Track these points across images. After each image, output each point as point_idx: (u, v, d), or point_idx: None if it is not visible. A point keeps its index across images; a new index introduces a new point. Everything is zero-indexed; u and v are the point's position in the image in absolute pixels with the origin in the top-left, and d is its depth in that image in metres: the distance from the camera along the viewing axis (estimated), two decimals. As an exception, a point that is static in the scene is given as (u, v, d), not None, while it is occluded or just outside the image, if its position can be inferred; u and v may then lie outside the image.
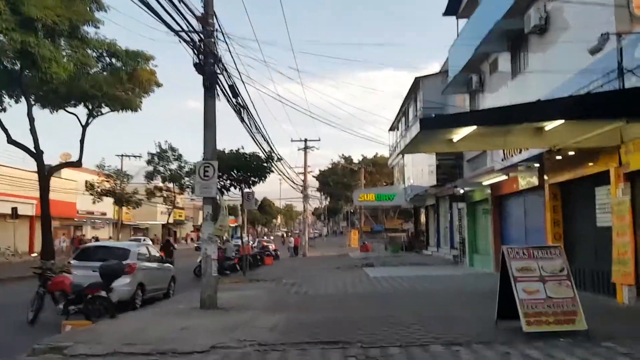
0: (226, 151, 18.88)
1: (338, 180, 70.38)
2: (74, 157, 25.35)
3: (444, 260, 23.01)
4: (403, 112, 29.93)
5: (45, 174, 21.82)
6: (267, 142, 18.86)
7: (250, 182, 19.48)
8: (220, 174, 18.70)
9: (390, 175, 56.45)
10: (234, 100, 13.37)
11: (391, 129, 35.46)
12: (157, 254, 13.95)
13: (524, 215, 14.92)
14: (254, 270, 23.02)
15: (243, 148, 18.74)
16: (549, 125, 8.88)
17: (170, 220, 76.81)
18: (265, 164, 19.36)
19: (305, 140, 40.27)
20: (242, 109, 14.37)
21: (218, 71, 11.38)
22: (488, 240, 17.76)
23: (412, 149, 9.66)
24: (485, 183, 16.08)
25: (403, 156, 30.09)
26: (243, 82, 15.25)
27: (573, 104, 7.10)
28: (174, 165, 32.32)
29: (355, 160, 71.74)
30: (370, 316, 9.02)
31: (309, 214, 57.51)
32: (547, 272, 7.02)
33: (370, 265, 21.81)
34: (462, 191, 18.45)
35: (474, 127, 7.42)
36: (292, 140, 41.55)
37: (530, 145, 9.82)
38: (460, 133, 8.55)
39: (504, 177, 14.28)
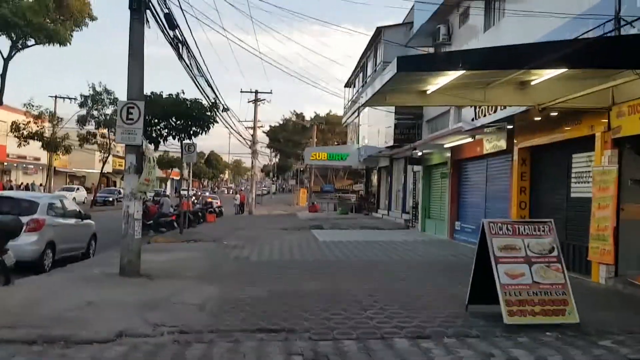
0: (164, 95, 16.78)
1: (289, 138, 68.58)
2: (8, 97, 22.55)
3: (395, 224, 22.18)
4: (361, 66, 28.35)
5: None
6: (212, 88, 16.82)
7: (192, 132, 17.47)
8: (155, 120, 16.69)
9: (343, 135, 55.28)
10: (170, 32, 11.34)
11: (347, 84, 33.86)
12: (75, 208, 12.01)
13: (485, 181, 13.99)
14: (194, 229, 21.31)
15: (184, 93, 16.63)
16: (537, 79, 7.67)
17: (110, 170, 73.22)
18: (208, 113, 17.39)
19: (256, 92, 38.02)
20: (180, 45, 12.33)
21: (149, -9, 9.36)
22: (444, 205, 16.89)
23: (377, 100, 8.22)
24: (447, 145, 14.99)
25: (358, 114, 28.74)
26: (182, 10, 12.84)
27: (582, 47, 5.79)
28: (109, 110, 29.43)
29: (308, 118, 70.01)
30: (319, 292, 7.72)
31: (257, 171, 55.76)
32: (534, 252, 5.90)
33: (319, 228, 20.64)
34: (419, 153, 17.36)
35: (461, 72, 6.02)
36: (241, 92, 38.80)
37: (512, 102, 8.61)
38: (439, 81, 7.16)
39: (469, 140, 13.18)
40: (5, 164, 42.89)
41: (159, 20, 10.32)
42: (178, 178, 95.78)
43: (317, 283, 8.53)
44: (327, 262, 11.11)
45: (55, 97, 39.09)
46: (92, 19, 22.79)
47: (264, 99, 38.28)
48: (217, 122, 17.89)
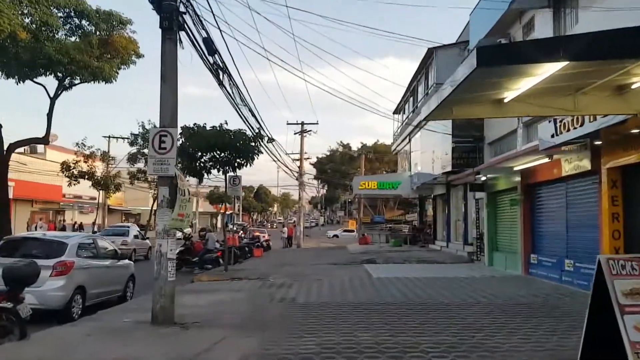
0: (207, 127, 16.14)
1: (336, 169, 67.62)
2: (63, 139, 22.88)
3: (456, 257, 20.33)
4: (411, 90, 27.10)
5: (2, 152, 18.95)
6: (255, 118, 16.03)
7: (236, 164, 16.66)
8: (199, 152, 16.01)
9: (392, 164, 53.67)
10: (209, 58, 10.56)
11: (396, 111, 32.62)
12: (111, 247, 11.20)
13: (565, 207, 12.19)
14: (240, 264, 20.37)
15: (227, 124, 15.93)
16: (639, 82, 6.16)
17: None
18: (253, 143, 16.56)
19: (302, 124, 37.45)
20: (220, 71, 11.53)
21: (182, 9, 8.60)
22: (516, 236, 15.06)
23: (442, 112, 6.91)
24: (517, 168, 13.33)
25: (409, 140, 27.34)
26: (222, 35, 12.05)
27: None
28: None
29: (355, 148, 68.99)
30: (380, 346, 6.33)
31: (304, 203, 54.86)
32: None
33: (372, 262, 19.14)
34: (483, 178, 15.71)
35: (560, 64, 4.66)
36: (288, 124, 38.41)
37: (609, 109, 7.07)
38: (521, 86, 5.81)
39: (544, 160, 11.53)
40: (61, 204, 43.93)
41: (194, 42, 9.56)
42: (230, 212, 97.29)
43: (375, 333, 7.12)
44: (385, 305, 9.64)
45: (109, 137, 40.08)
46: (139, 56, 22.77)
47: (310, 130, 37.66)
48: (262, 153, 17.01)
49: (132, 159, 30.57)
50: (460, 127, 18.20)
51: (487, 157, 17.79)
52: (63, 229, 31.92)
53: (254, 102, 25.34)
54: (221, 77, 11.66)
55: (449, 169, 18.58)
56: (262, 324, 8.00)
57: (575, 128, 8.99)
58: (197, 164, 15.74)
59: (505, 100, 6.55)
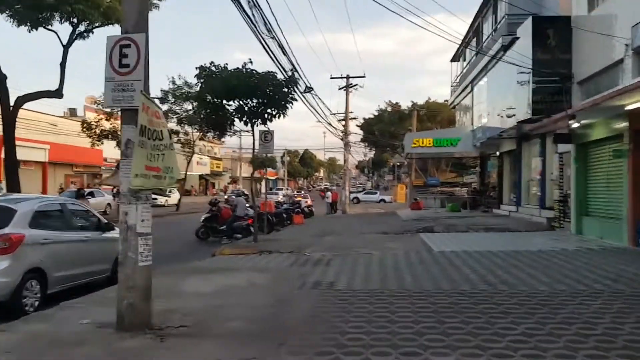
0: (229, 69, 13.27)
1: (385, 129, 63.70)
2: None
3: (532, 223, 16.96)
4: (474, 30, 23.17)
5: (8, 106, 16.99)
6: (287, 57, 13.11)
7: (266, 115, 13.83)
8: (219, 100, 13.29)
9: (447, 123, 49.36)
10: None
11: (454, 58, 28.71)
12: (92, 215, 8.71)
13: None
14: (277, 233, 17.87)
15: (251, 62, 12.99)
16: None
17: (207, 171, 73.72)
18: (285, 89, 13.64)
19: (348, 77, 34.02)
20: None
21: None
22: (618, 198, 11.63)
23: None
24: (632, 106, 9.81)
25: (472, 89, 23.60)
26: None
27: None
28: (190, 105, 27.13)
29: (404, 108, 64.67)
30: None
31: (351, 167, 51.91)
32: None
33: (430, 231, 16.13)
34: (576, 125, 12.21)
35: None
36: (331, 78, 35.11)
37: None
38: None
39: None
40: (103, 167, 42.91)
41: None
42: (275, 178, 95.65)
43: (460, 354, 4.24)
44: (461, 296, 6.71)
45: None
46: (161, -3, 20.04)
47: (357, 85, 34.21)
48: (297, 100, 14.04)
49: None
50: (543, 63, 14.57)
51: (576, 100, 14.13)
52: (91, 193, 30.37)
53: (285, 36, 22.10)
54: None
55: (528, 115, 15.02)
56: (280, 329, 5.31)
57: None
58: (217, 115, 13.05)
59: None
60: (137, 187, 5.17)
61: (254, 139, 14.56)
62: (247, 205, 16.87)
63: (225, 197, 17.41)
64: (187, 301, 6.69)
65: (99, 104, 24.97)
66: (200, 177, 73.75)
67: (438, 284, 7.62)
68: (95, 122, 25.38)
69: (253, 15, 10.35)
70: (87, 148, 32.45)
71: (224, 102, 13.38)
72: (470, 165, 50.83)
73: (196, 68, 12.60)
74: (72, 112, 47.58)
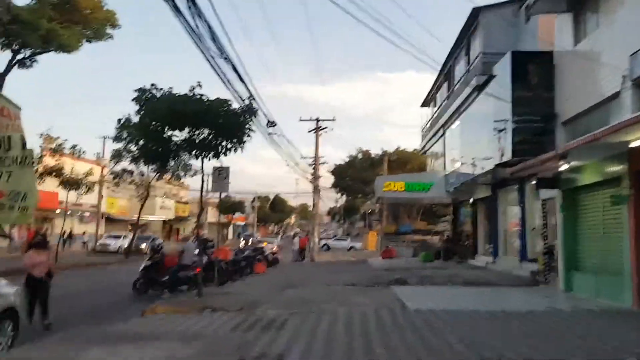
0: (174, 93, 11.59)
1: (356, 176, 62.79)
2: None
3: (513, 277, 15.40)
4: (445, 74, 22.38)
5: None
6: (243, 82, 11.58)
7: (220, 148, 12.11)
8: (158, 128, 11.51)
9: (416, 172, 48.63)
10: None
11: (424, 103, 27.93)
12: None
13: None
14: (231, 284, 15.78)
15: (200, 86, 11.36)
16: None
17: (172, 216, 70.56)
18: (242, 117, 12.03)
19: (317, 120, 32.91)
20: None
21: None
22: (617, 250, 10.22)
23: None
24: (636, 144, 8.53)
25: (444, 133, 22.56)
26: None
27: None
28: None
29: (375, 155, 64.04)
30: None
31: (320, 210, 50.19)
32: None
33: (403, 283, 14.38)
34: (566, 167, 10.91)
35: None
36: (300, 120, 33.77)
37: None
38: None
39: None
40: (58, 211, 39.95)
41: None
42: (243, 223, 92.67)
43: None
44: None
45: (104, 137, 36.00)
46: (114, 25, 18.62)
47: (326, 127, 33.06)
48: (254, 132, 12.40)
49: (116, 155, 26.22)
50: (524, 102, 13.47)
51: (561, 141, 12.96)
52: (43, 237, 27.62)
53: (242, 63, 20.71)
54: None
55: (506, 158, 13.76)
56: None
57: None
58: (159, 145, 11.28)
59: None
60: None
61: (202, 175, 12.74)
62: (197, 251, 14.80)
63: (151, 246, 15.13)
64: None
65: (43, 137, 22.72)
66: (165, 222, 70.58)
67: (414, 356, 5.83)
68: (37, 157, 23.10)
69: (197, 25, 8.82)
70: (41, 191, 29.84)
71: (170, 131, 11.65)
72: (441, 214, 49.93)
73: (134, 91, 10.93)
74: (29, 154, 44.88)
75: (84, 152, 23.57)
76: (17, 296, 7.28)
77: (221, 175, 13.83)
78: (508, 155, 13.64)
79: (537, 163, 11.25)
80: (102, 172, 36.53)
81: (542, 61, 13.57)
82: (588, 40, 12.05)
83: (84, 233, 39.55)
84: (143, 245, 33.62)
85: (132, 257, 29.46)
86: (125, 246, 32.66)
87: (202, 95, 11.13)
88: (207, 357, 6.09)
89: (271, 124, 17.54)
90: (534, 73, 13.49)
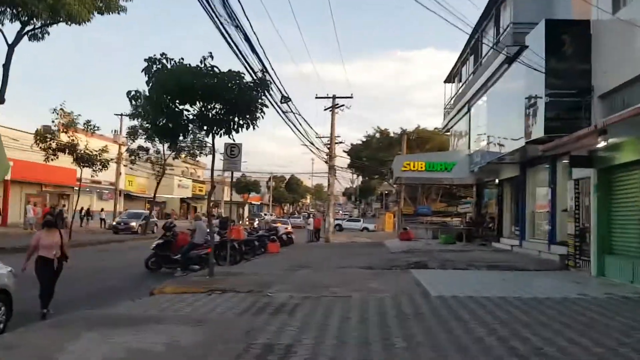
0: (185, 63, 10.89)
1: (372, 156, 61.67)
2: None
3: (540, 261, 14.63)
4: (471, 47, 21.28)
5: None
6: (256, 54, 10.87)
7: (232, 124, 11.42)
8: (171, 102, 10.89)
9: (435, 151, 47.34)
10: None
11: (448, 79, 26.83)
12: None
13: None
14: (243, 264, 15.32)
15: (212, 57, 10.65)
16: None
17: (189, 194, 70.83)
18: (255, 92, 11.31)
19: (334, 97, 31.96)
20: None
21: None
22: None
23: None
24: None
25: (469, 109, 21.58)
26: None
27: None
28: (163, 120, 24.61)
29: (393, 134, 62.78)
30: None
31: (336, 192, 49.59)
32: None
33: (423, 267, 13.71)
34: (604, 143, 10.03)
35: None
36: (317, 97, 32.76)
37: None
38: None
39: None
40: (75, 188, 40.05)
41: None
42: (259, 203, 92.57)
43: None
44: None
45: (121, 115, 35.66)
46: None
47: (343, 105, 32.12)
48: (267, 107, 11.70)
49: (132, 133, 25.81)
50: (558, 74, 12.50)
51: (596, 116, 12.03)
52: (59, 214, 27.60)
53: (256, 33, 19.94)
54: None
55: (539, 135, 12.86)
56: None
57: None
58: (168, 120, 10.68)
59: None
60: None
61: (213, 153, 12.10)
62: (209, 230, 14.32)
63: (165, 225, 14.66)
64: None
65: (56, 113, 22.26)
66: (182, 200, 70.88)
67: (444, 355, 5.18)
68: (50, 134, 22.71)
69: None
70: (60, 167, 29.64)
71: (180, 106, 11.00)
72: (461, 195, 48.76)
73: (144, 60, 10.28)
74: (46, 130, 44.99)
75: (97, 128, 23.01)
76: (10, 278, 6.81)
77: (233, 152, 13.23)
78: (539, 132, 12.74)
79: (572, 140, 10.39)
80: (119, 149, 36.34)
81: (578, 30, 12.55)
82: (629, 8, 11.01)
83: (102, 210, 39.58)
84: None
85: (148, 235, 29.29)
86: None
87: (213, 67, 10.41)
88: (211, 345, 5.53)
89: (285, 99, 16.84)
90: (569, 43, 12.49)
